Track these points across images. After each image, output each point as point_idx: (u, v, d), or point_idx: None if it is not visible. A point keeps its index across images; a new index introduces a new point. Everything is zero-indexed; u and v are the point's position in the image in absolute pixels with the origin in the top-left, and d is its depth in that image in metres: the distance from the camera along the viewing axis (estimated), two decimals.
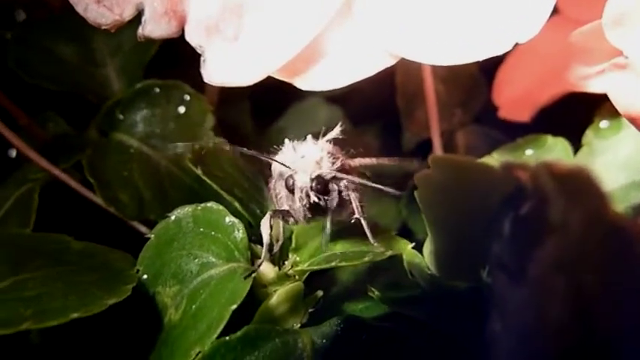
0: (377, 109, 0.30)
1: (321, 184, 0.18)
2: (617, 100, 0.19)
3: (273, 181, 0.19)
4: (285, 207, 0.19)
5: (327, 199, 0.18)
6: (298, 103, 0.30)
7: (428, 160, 0.20)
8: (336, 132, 0.19)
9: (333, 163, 0.18)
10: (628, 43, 0.18)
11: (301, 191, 0.18)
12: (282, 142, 0.31)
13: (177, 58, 0.23)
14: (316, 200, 0.18)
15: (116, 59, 0.27)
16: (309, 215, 0.18)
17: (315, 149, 0.18)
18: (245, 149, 0.18)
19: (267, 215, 0.19)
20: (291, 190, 0.18)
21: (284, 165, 0.18)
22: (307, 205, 0.18)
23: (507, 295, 0.15)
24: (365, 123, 0.31)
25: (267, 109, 0.30)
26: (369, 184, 0.19)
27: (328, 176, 0.18)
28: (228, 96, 0.27)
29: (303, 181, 0.18)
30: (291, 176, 0.18)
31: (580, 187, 0.13)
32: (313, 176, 0.18)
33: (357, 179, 0.19)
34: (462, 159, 0.19)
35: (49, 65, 0.27)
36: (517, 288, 0.15)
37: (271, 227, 0.19)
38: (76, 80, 0.26)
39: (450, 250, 0.20)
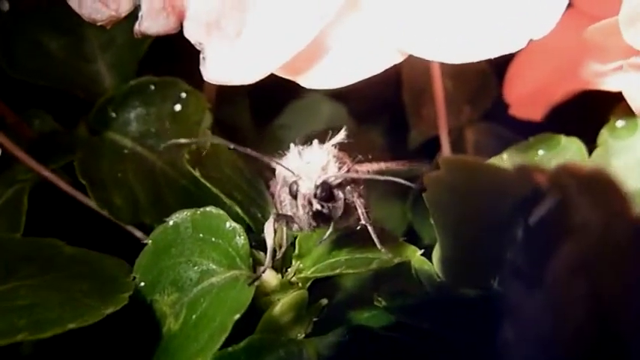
0: (382, 106, 0.31)
1: (326, 192, 0.18)
2: (634, 102, 0.19)
3: (278, 186, 0.19)
4: (289, 213, 0.19)
5: (332, 208, 0.18)
6: (299, 99, 0.31)
7: (437, 162, 0.20)
8: (341, 136, 0.19)
9: (340, 169, 0.19)
10: None
11: (304, 198, 0.18)
12: (283, 141, 0.31)
13: (174, 52, 0.23)
14: (319, 208, 0.18)
15: (108, 53, 0.27)
16: (313, 224, 0.19)
17: (321, 155, 0.19)
18: (249, 150, 0.19)
19: (271, 219, 0.19)
20: (294, 196, 0.18)
21: (288, 170, 0.18)
22: (310, 213, 0.18)
23: (523, 302, 0.16)
24: (370, 120, 0.31)
25: (267, 105, 0.30)
26: (380, 177, 0.19)
27: (334, 183, 0.18)
28: (227, 93, 0.27)
29: (307, 187, 0.18)
30: (295, 182, 0.18)
31: (602, 189, 0.14)
32: (318, 183, 0.18)
33: (367, 176, 0.19)
34: (474, 160, 0.19)
35: (36, 59, 0.27)
36: (534, 294, 0.15)
37: (275, 232, 0.19)
38: (65, 75, 0.27)
39: (460, 256, 0.20)
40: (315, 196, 0.18)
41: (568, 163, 0.14)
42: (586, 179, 0.14)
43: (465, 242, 0.20)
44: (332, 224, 0.19)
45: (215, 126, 0.26)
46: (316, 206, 0.18)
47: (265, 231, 0.19)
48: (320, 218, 0.19)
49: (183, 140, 0.19)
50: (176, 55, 0.22)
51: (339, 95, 0.31)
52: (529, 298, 0.15)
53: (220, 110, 0.29)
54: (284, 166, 0.19)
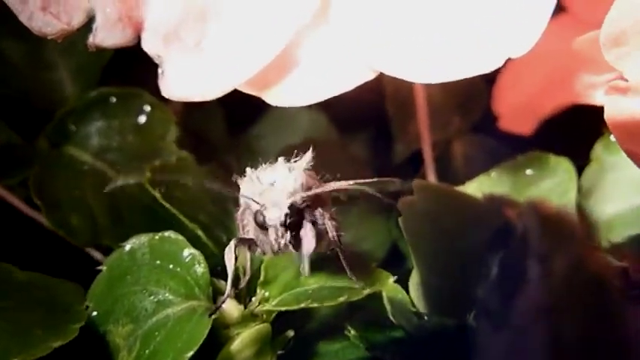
0: (365, 116, 0.31)
1: (295, 217, 0.18)
2: (614, 125, 0.19)
3: (241, 209, 0.19)
4: (252, 237, 0.19)
5: (303, 235, 0.18)
6: (277, 108, 0.30)
7: (413, 185, 0.20)
8: (307, 159, 0.19)
9: (308, 192, 0.19)
10: (629, 65, 0.18)
11: (276, 232, 0.18)
12: (259, 152, 0.31)
13: (139, 57, 0.23)
14: (290, 236, 0.18)
15: (69, 60, 0.27)
16: (282, 250, 0.19)
17: (288, 178, 0.19)
18: (210, 182, 0.19)
19: (232, 244, 0.19)
20: (261, 226, 0.18)
21: (252, 200, 0.18)
22: (281, 242, 0.18)
23: (489, 342, 0.16)
24: (352, 131, 0.31)
25: (242, 114, 0.30)
26: (363, 189, 0.20)
27: (302, 206, 0.19)
28: (196, 103, 0.28)
29: (274, 217, 0.18)
30: (259, 212, 0.18)
31: (564, 231, 0.14)
32: (286, 210, 0.18)
33: (349, 187, 0.20)
34: (447, 188, 0.19)
35: None
36: (499, 335, 0.15)
37: (236, 258, 0.19)
38: (23, 83, 0.27)
39: (435, 284, 0.20)
40: (284, 224, 0.18)
41: (535, 201, 0.14)
42: (549, 219, 0.14)
43: (440, 270, 0.20)
44: (306, 258, 0.19)
45: (184, 136, 0.26)
46: (287, 235, 0.18)
47: (225, 257, 0.19)
48: (290, 245, 0.19)
49: (132, 180, 0.19)
50: (143, 60, 0.22)
51: (319, 104, 0.30)
52: (495, 339, 0.15)
53: (191, 119, 0.29)
54: (247, 197, 0.18)
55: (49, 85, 0.27)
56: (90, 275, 0.21)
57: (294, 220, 0.18)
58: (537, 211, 0.14)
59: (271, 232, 0.18)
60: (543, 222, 0.14)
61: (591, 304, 0.14)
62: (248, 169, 0.19)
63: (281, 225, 0.18)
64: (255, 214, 0.18)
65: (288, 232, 0.18)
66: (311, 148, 0.20)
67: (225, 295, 0.19)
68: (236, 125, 0.31)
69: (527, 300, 0.14)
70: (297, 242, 0.19)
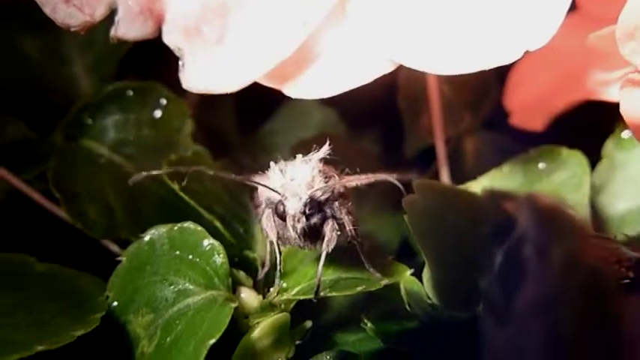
0: (376, 111, 0.31)
1: (314, 208, 0.19)
2: (630, 118, 0.19)
3: (262, 205, 0.20)
4: (274, 236, 0.19)
5: (323, 225, 0.19)
6: (289, 104, 0.31)
7: (413, 185, 0.21)
8: (325, 149, 0.20)
9: (327, 186, 0.19)
10: None
11: (293, 218, 0.18)
12: (271, 147, 0.31)
13: (155, 52, 0.24)
14: (309, 225, 0.18)
15: (86, 55, 0.27)
16: (304, 243, 0.19)
17: (305, 170, 0.19)
18: (233, 176, 0.19)
19: (268, 212, 0.19)
20: (282, 217, 0.19)
21: (272, 190, 0.19)
22: (300, 232, 0.19)
23: (493, 334, 0.16)
24: (363, 126, 0.31)
25: (255, 110, 0.30)
26: (377, 177, 0.20)
27: (321, 198, 0.19)
28: (212, 96, 0.28)
29: (294, 207, 0.18)
30: (281, 202, 0.19)
31: (560, 223, 0.14)
32: (305, 200, 0.18)
33: (364, 180, 0.20)
34: (446, 186, 0.20)
35: (9, 61, 0.27)
36: (501, 327, 0.16)
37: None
38: (40, 78, 0.27)
39: (444, 278, 0.21)
40: (303, 213, 0.19)
41: (531, 195, 0.14)
42: (547, 213, 0.14)
43: (446, 265, 0.20)
44: (324, 244, 0.19)
45: (198, 132, 0.26)
46: (305, 224, 0.19)
47: (265, 225, 0.19)
48: (311, 237, 0.19)
49: (155, 172, 0.19)
50: (159, 55, 0.22)
51: (330, 100, 0.31)
52: (498, 331, 0.16)
53: (204, 115, 0.29)
54: (268, 187, 0.19)
55: (66, 80, 0.27)
56: (107, 268, 0.21)
57: (314, 210, 0.19)
58: (534, 204, 0.14)
59: (289, 219, 0.19)
60: (540, 215, 0.14)
61: (589, 293, 0.14)
62: (272, 163, 0.19)
63: (300, 213, 0.18)
64: (276, 206, 0.19)
65: (304, 217, 0.19)
66: (327, 143, 0.20)
67: (266, 266, 0.19)
68: (248, 121, 0.31)
69: (527, 292, 0.14)
70: (316, 234, 0.19)
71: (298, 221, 0.18)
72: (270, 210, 0.19)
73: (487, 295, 0.18)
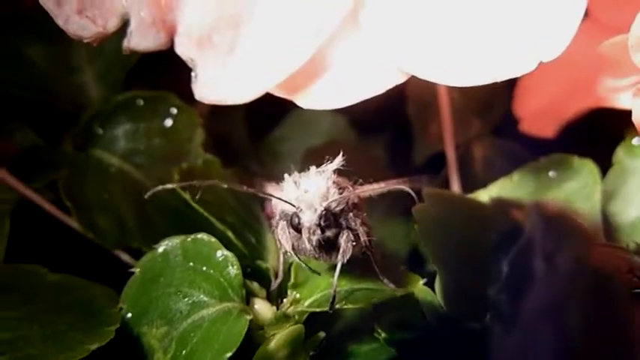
0: (385, 118, 0.31)
1: (329, 219, 0.19)
2: None
3: (276, 217, 0.20)
4: (289, 247, 0.19)
5: (339, 236, 0.19)
6: (298, 111, 0.31)
7: (423, 194, 0.21)
8: (338, 161, 0.20)
9: (342, 197, 0.19)
10: None
11: (309, 231, 0.18)
12: (280, 154, 0.31)
13: (165, 61, 0.24)
14: (326, 237, 0.19)
15: (96, 64, 0.27)
16: (318, 255, 0.19)
17: (320, 181, 0.19)
18: (245, 188, 0.19)
19: (282, 224, 0.19)
20: (297, 229, 0.19)
21: (288, 202, 0.19)
22: (317, 245, 0.19)
23: (501, 342, 0.16)
24: (372, 133, 0.31)
25: (264, 117, 0.31)
26: (390, 186, 0.20)
27: (336, 209, 0.19)
28: (222, 106, 0.28)
29: (310, 219, 0.18)
30: (296, 214, 0.19)
31: (568, 230, 0.14)
32: (320, 212, 0.18)
33: (377, 189, 0.20)
34: (455, 195, 0.20)
35: (18, 69, 0.27)
36: (509, 335, 0.16)
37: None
38: (49, 87, 0.27)
39: (455, 287, 0.21)
40: (319, 225, 0.19)
41: (538, 202, 0.14)
42: (553, 220, 0.14)
43: (456, 273, 0.20)
44: (340, 255, 0.19)
45: (208, 140, 0.27)
46: (321, 236, 0.19)
47: (280, 237, 0.19)
48: (327, 249, 0.19)
49: (170, 185, 0.19)
50: (167, 64, 0.22)
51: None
52: (506, 339, 0.16)
53: (214, 123, 0.29)
54: (283, 200, 0.19)
55: (75, 89, 0.27)
56: (119, 278, 0.21)
57: (330, 223, 0.19)
58: (542, 212, 0.14)
59: (304, 231, 0.19)
60: (548, 222, 0.14)
61: (597, 300, 0.14)
62: (286, 175, 0.19)
63: (316, 225, 0.18)
64: (291, 218, 0.19)
65: (319, 230, 0.19)
66: (340, 154, 0.20)
67: (279, 277, 0.20)
68: (258, 129, 0.31)
69: (535, 300, 0.14)
70: (331, 246, 0.19)
71: (314, 233, 0.18)
72: (285, 222, 0.19)
73: (495, 303, 0.18)
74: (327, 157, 0.20)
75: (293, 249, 0.19)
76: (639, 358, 0.15)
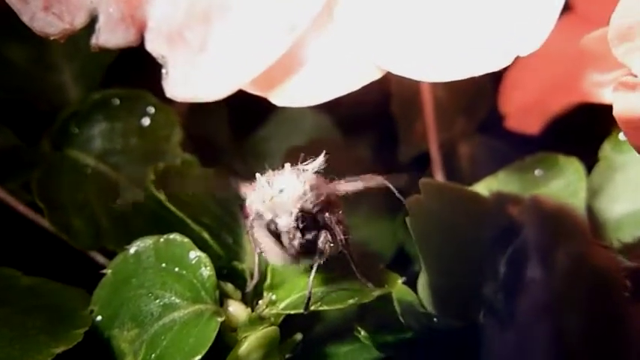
0: (370, 117, 0.30)
1: (307, 221, 0.18)
2: (623, 122, 0.19)
3: (251, 218, 0.19)
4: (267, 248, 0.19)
5: (317, 237, 0.18)
6: (282, 110, 0.30)
7: (419, 184, 0.20)
8: (319, 163, 0.19)
9: (317, 196, 0.18)
10: (637, 60, 0.18)
11: (288, 235, 0.18)
12: (264, 154, 0.31)
13: (143, 59, 0.23)
14: (305, 240, 0.18)
15: (73, 62, 0.27)
16: (300, 259, 0.19)
17: (295, 181, 0.18)
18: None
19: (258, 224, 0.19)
20: (275, 235, 0.18)
21: (262, 211, 0.18)
22: (300, 249, 0.18)
23: (496, 340, 0.16)
24: (356, 132, 0.31)
25: (247, 116, 0.30)
26: (366, 181, 0.20)
27: (313, 209, 0.18)
28: (201, 103, 0.27)
29: (286, 223, 0.18)
30: (272, 221, 0.18)
31: (566, 226, 0.14)
32: (297, 215, 0.18)
33: (354, 185, 0.20)
34: (454, 186, 0.19)
35: None
36: (505, 333, 0.15)
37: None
38: (27, 86, 0.26)
39: (443, 285, 0.20)
40: (297, 228, 0.18)
41: (537, 197, 0.14)
42: (553, 216, 0.14)
43: (448, 269, 0.20)
44: (318, 255, 0.19)
45: (188, 139, 0.26)
46: (302, 239, 0.18)
47: (251, 237, 0.19)
48: (306, 250, 0.19)
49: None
50: (146, 62, 0.22)
51: (323, 105, 0.30)
52: (501, 337, 0.15)
53: (194, 121, 0.29)
54: (258, 206, 0.18)
55: (53, 88, 0.26)
56: (93, 279, 0.21)
57: (306, 224, 0.18)
58: (540, 207, 0.14)
59: (284, 237, 0.18)
60: (545, 217, 0.14)
61: (595, 298, 0.14)
62: (258, 175, 0.19)
63: (294, 229, 0.18)
64: (268, 224, 0.18)
65: (299, 233, 0.18)
66: (323, 153, 0.19)
67: (255, 278, 0.19)
68: (241, 128, 0.31)
69: (532, 296, 0.14)
70: (310, 246, 0.19)
71: (294, 237, 0.18)
72: (262, 226, 0.18)
73: (491, 301, 0.17)
74: (311, 156, 0.20)
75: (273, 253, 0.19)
76: (636, 357, 0.15)
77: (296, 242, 0.18)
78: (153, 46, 0.19)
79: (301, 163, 0.19)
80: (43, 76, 0.27)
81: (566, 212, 0.15)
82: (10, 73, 0.27)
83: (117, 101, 0.25)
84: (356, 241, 0.22)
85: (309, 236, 0.18)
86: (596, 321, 0.15)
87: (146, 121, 0.25)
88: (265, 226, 0.18)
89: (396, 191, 0.19)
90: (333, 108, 0.30)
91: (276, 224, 0.18)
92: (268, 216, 0.18)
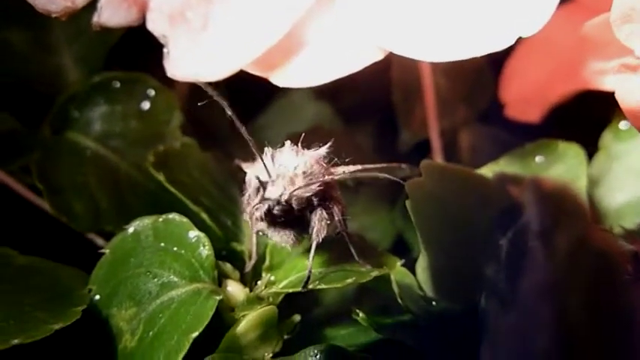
0: (371, 105, 0.30)
1: (302, 201, 0.18)
2: (626, 104, 0.19)
3: (247, 194, 0.19)
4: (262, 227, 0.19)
5: (315, 221, 0.18)
6: (282, 97, 0.30)
7: (420, 166, 0.20)
8: (324, 150, 0.19)
9: (314, 175, 0.18)
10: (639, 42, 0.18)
11: (269, 204, 0.18)
12: (264, 142, 0.31)
13: (145, 42, 0.23)
14: (275, 214, 0.18)
15: (75, 46, 0.26)
16: (274, 230, 0.19)
17: (295, 158, 0.18)
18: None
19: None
20: (261, 200, 0.18)
21: (267, 171, 0.18)
22: (263, 217, 0.18)
23: (497, 322, 0.16)
24: (357, 120, 0.31)
25: (247, 103, 0.30)
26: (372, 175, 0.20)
27: (311, 187, 0.18)
28: (202, 88, 0.27)
29: (275, 192, 0.18)
30: (262, 185, 0.18)
31: (567, 206, 0.14)
32: (285, 197, 0.18)
33: (352, 170, 0.20)
34: (456, 168, 0.19)
35: None
36: (506, 315, 0.15)
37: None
38: (28, 70, 0.26)
39: (443, 267, 0.20)
40: (279, 203, 0.18)
41: (535, 178, 0.14)
42: (553, 196, 0.14)
43: (448, 252, 0.20)
44: (314, 234, 0.19)
45: (188, 125, 0.26)
46: (279, 208, 0.18)
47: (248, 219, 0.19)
48: (292, 225, 0.19)
49: None
50: (148, 47, 0.22)
51: (324, 93, 0.30)
52: (502, 319, 0.15)
53: (195, 108, 0.29)
54: (264, 164, 0.18)
55: (54, 71, 0.26)
56: (92, 261, 0.21)
57: (301, 199, 0.18)
58: (540, 188, 0.14)
59: (276, 208, 0.18)
60: (546, 198, 0.14)
61: (596, 279, 0.14)
62: (266, 148, 0.19)
63: (275, 201, 0.18)
64: (258, 186, 0.18)
65: (278, 205, 0.18)
66: (327, 143, 0.19)
67: (253, 258, 0.19)
68: (241, 115, 0.30)
69: (533, 278, 0.14)
70: (302, 225, 0.19)
71: (273, 208, 0.18)
72: (252, 191, 0.18)
73: (491, 283, 0.17)
74: (311, 142, 0.20)
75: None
76: (637, 339, 0.15)
77: (274, 210, 0.18)
78: (154, 26, 0.19)
79: (302, 148, 0.19)
80: (43, 59, 0.27)
81: (567, 193, 0.15)
82: (9, 56, 0.26)
83: (117, 84, 0.25)
84: (353, 229, 0.22)
85: (299, 208, 0.18)
86: (597, 302, 0.15)
87: (146, 105, 0.25)
88: (255, 190, 0.18)
89: (396, 179, 0.19)
90: (333, 96, 0.30)
91: (264, 189, 0.18)
92: (265, 180, 0.18)
